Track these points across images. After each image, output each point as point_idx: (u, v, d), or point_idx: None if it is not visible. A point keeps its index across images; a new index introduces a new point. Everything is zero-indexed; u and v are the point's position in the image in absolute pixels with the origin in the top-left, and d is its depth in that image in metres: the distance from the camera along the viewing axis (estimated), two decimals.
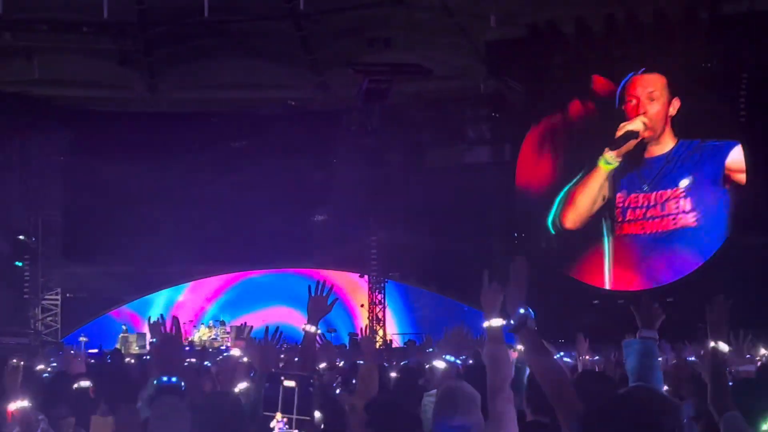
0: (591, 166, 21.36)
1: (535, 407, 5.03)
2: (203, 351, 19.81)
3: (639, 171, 20.97)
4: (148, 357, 11.42)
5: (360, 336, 19.04)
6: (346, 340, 23.29)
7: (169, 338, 4.91)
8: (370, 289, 24.35)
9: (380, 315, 24.09)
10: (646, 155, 20.90)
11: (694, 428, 5.98)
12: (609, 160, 20.98)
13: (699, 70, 20.14)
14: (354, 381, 7.47)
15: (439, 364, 5.82)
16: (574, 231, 21.64)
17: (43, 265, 24.24)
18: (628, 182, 21.12)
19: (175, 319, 5.05)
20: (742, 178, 19.85)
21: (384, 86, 23.04)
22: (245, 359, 6.35)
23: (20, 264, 24.15)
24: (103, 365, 11.13)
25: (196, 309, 25.89)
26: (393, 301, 25.21)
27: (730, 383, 4.88)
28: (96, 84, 23.32)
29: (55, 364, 11.96)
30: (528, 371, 4.98)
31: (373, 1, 20.82)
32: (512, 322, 3.85)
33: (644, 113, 20.64)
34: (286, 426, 4.41)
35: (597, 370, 8.67)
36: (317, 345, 5.59)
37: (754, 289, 16.88)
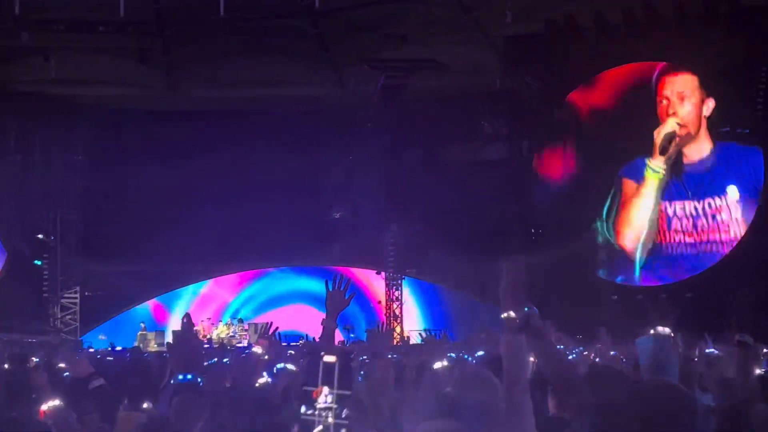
0: (615, 164, 21.01)
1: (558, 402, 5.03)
2: (221, 348, 19.89)
3: (680, 177, 20.44)
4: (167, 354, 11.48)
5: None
6: (364, 337, 23.23)
7: (185, 338, 4.96)
8: (387, 285, 24.33)
9: (397, 311, 24.06)
10: (685, 160, 20.43)
11: (711, 421, 5.97)
12: (655, 168, 20.44)
13: (720, 64, 19.79)
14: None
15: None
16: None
17: (62, 263, 24.36)
18: (673, 190, 20.56)
19: (187, 316, 5.09)
20: None
21: (400, 82, 23.05)
22: (266, 357, 6.43)
23: (39, 262, 24.28)
24: (122, 361, 11.19)
25: (219, 304, 25.93)
26: (413, 297, 25.18)
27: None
28: (114, 83, 23.39)
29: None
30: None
31: None
32: (517, 321, 3.83)
33: (674, 113, 20.31)
34: (329, 400, 4.43)
35: (616, 366, 8.63)
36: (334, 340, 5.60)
37: None
